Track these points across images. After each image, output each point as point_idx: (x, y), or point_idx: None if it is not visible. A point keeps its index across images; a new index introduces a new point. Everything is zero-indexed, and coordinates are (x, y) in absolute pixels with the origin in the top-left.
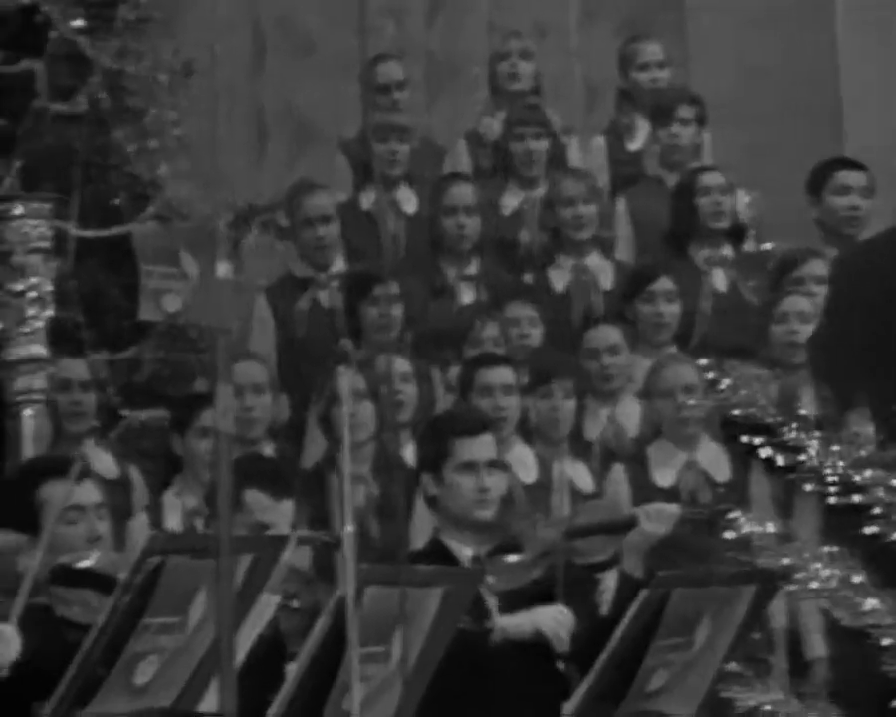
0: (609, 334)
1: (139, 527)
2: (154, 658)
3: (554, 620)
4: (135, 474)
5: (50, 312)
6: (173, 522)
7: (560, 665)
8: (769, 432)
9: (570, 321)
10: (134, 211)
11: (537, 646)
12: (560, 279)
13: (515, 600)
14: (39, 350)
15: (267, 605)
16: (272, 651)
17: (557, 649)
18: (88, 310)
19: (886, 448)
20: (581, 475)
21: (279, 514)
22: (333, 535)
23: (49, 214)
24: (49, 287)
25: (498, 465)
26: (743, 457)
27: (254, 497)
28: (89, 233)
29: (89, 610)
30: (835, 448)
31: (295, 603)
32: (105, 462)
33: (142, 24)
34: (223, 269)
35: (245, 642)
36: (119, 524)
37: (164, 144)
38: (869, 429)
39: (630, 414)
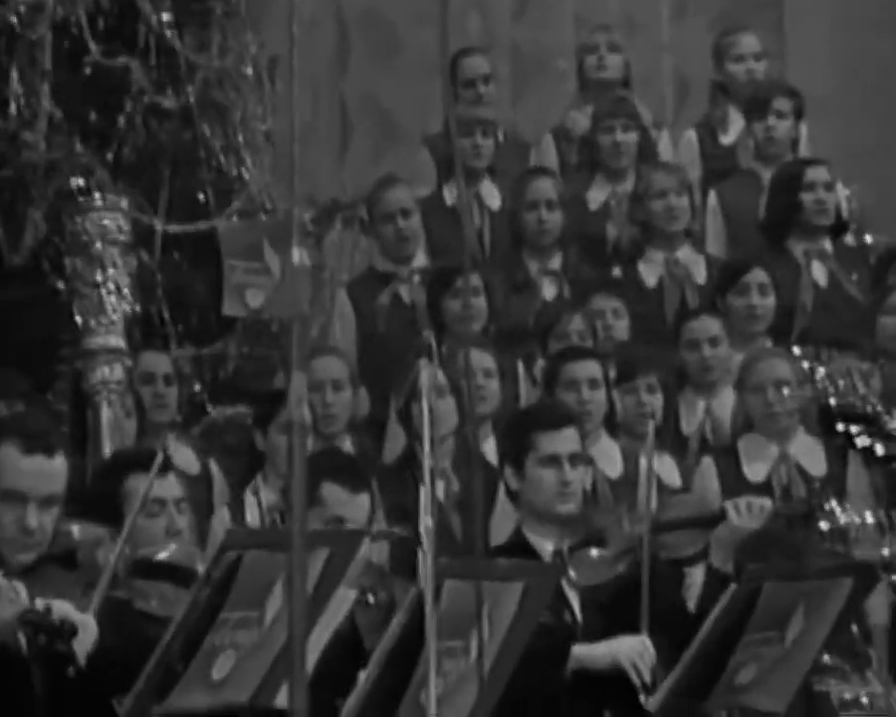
0: (710, 325)
1: (220, 522)
2: (231, 653)
3: (635, 653)
4: (216, 469)
5: (127, 305)
6: (253, 517)
7: (642, 698)
8: (868, 422)
9: (663, 315)
10: (220, 206)
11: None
12: (651, 273)
13: (598, 597)
14: (117, 341)
15: (343, 600)
16: (348, 647)
17: (635, 682)
18: (173, 305)
19: None
20: (668, 469)
21: (356, 508)
22: (411, 530)
23: (128, 208)
24: (126, 280)
25: (581, 459)
26: (840, 450)
27: (331, 491)
28: (175, 228)
29: (167, 604)
30: None
31: (371, 598)
32: (186, 457)
33: (229, 18)
34: (297, 256)
35: (321, 638)
36: (200, 519)
37: (250, 140)
38: None
39: (728, 407)
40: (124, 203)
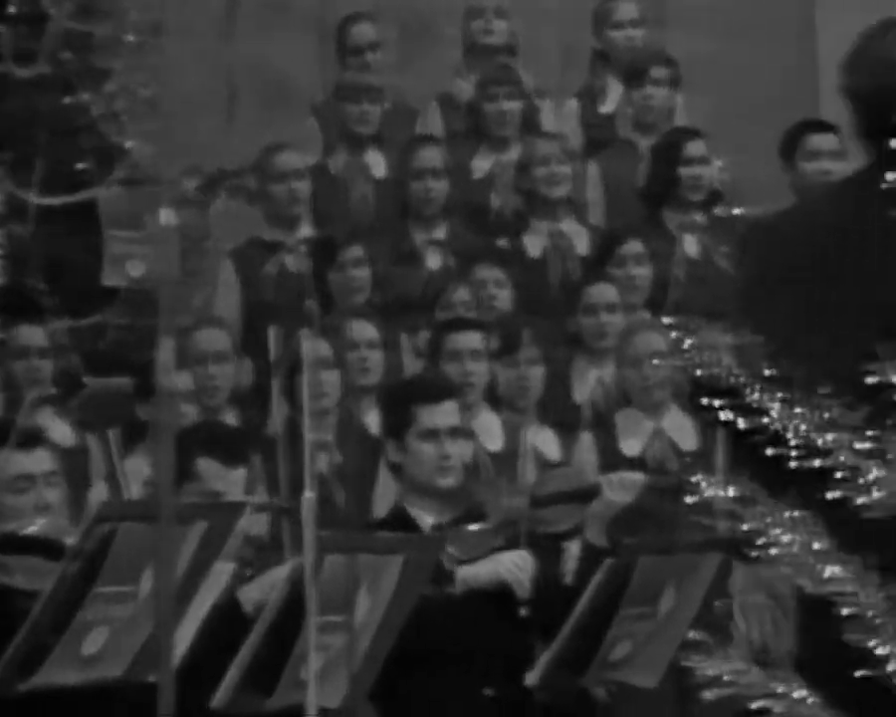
0: (606, 291)
1: (98, 495)
2: (104, 628)
3: (514, 565)
4: (93, 442)
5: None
6: (132, 491)
7: (523, 611)
8: (731, 395)
9: (547, 286)
10: (100, 175)
11: (499, 595)
12: (535, 244)
13: None
14: None
15: (221, 573)
16: (228, 619)
17: (518, 595)
18: (50, 277)
19: (853, 410)
20: (548, 443)
21: (231, 482)
22: (291, 502)
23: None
24: None
25: (462, 432)
26: (711, 425)
27: (206, 465)
28: (52, 200)
29: (36, 577)
30: (798, 410)
31: (249, 572)
32: (61, 430)
33: None
34: (165, 216)
35: (199, 610)
36: (79, 493)
37: (132, 107)
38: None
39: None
40: None
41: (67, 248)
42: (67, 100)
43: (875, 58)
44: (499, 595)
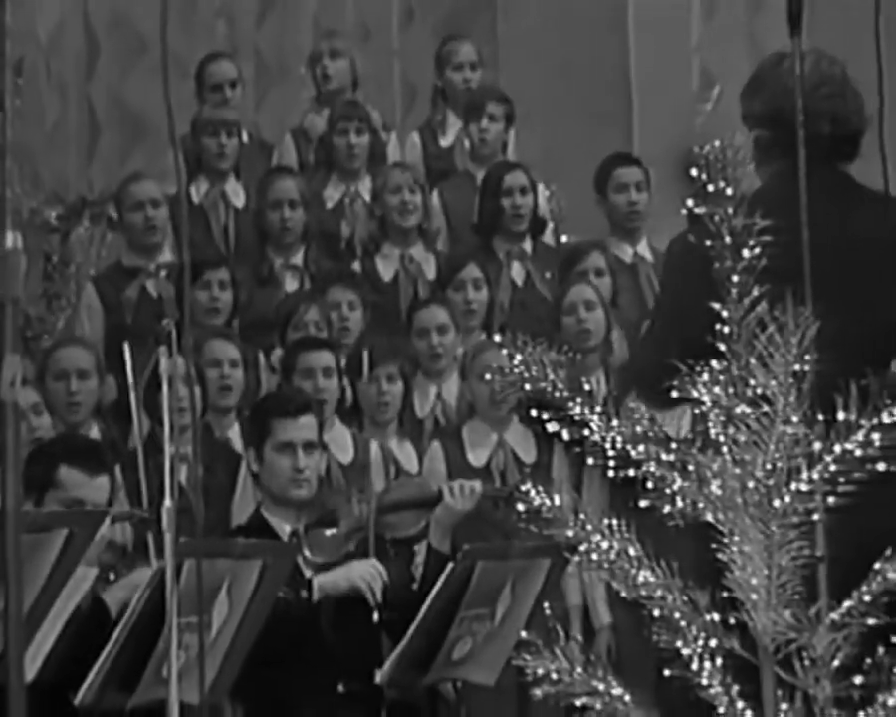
0: (437, 313)
1: None
2: None
3: (367, 573)
4: None
5: None
6: None
7: (376, 616)
8: (556, 408)
9: (398, 307)
10: None
11: (354, 600)
12: (387, 268)
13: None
14: None
15: (83, 578)
16: (91, 621)
17: (370, 602)
18: None
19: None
20: (408, 454)
21: (94, 489)
22: (152, 511)
23: None
24: None
25: (315, 446)
26: (548, 439)
27: (68, 474)
28: None
29: None
30: (615, 423)
31: (112, 575)
32: None
33: None
34: (10, 239)
35: (61, 613)
36: None
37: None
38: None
39: (455, 392)
40: None
41: None
42: None
43: (771, 86)
44: (353, 600)
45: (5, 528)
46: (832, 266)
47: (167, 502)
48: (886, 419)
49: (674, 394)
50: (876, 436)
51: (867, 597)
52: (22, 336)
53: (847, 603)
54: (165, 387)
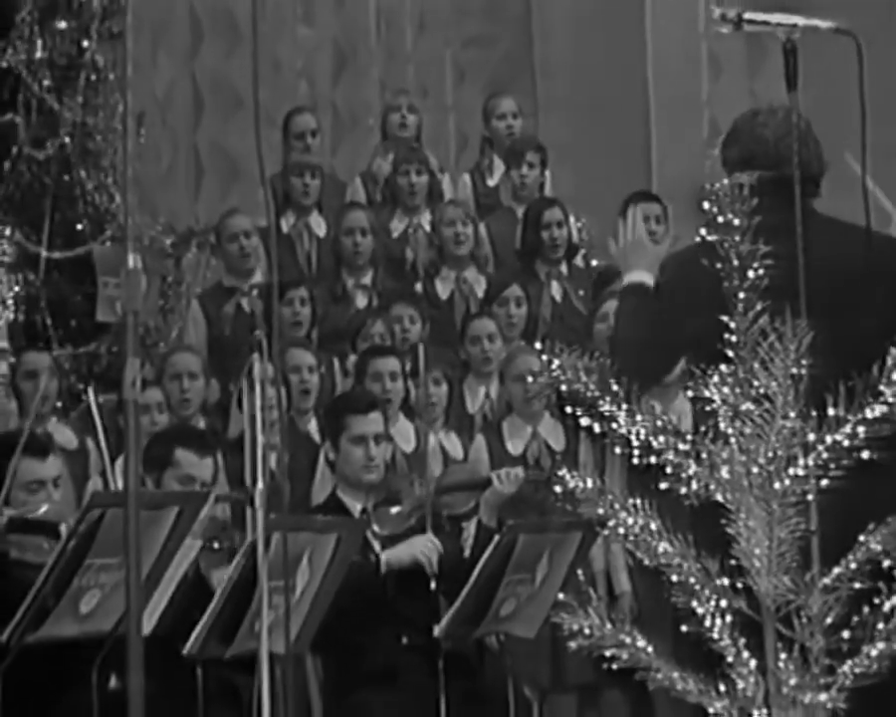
0: (487, 324)
1: (94, 487)
2: (96, 591)
3: (425, 547)
4: (91, 445)
5: (10, 313)
6: (121, 484)
7: (433, 585)
8: (587, 405)
9: (453, 322)
10: (94, 234)
11: (414, 572)
12: (444, 288)
13: (396, 543)
14: (1, 343)
15: (191, 548)
16: (196, 585)
17: (428, 571)
18: (55, 314)
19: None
20: (454, 444)
21: (203, 468)
22: (247, 492)
23: (12, 235)
24: (10, 293)
25: (384, 437)
26: (574, 429)
27: (183, 454)
28: (57, 254)
29: (41, 553)
30: (638, 418)
31: (216, 545)
32: (66, 436)
33: (101, 83)
34: (132, 260)
35: (174, 578)
36: (78, 485)
37: (119, 180)
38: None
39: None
40: (9, 232)
41: (68, 291)
42: (66, 176)
43: (746, 136)
44: (414, 568)
45: (128, 506)
46: (818, 284)
47: (259, 484)
48: (869, 414)
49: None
50: (861, 429)
51: (853, 565)
52: (143, 343)
53: (837, 570)
54: (258, 388)
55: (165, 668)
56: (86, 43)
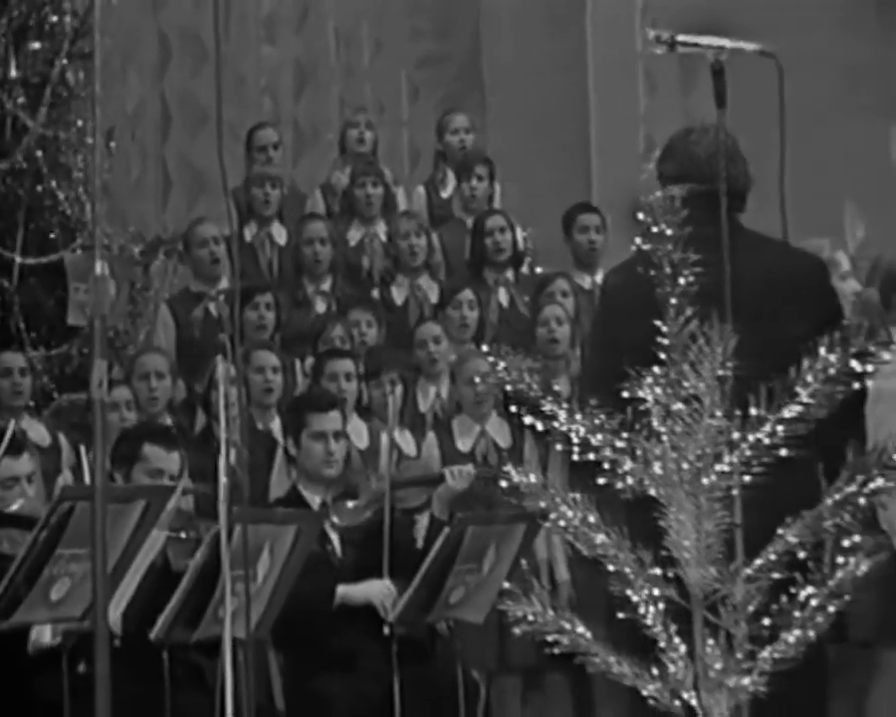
0: (433, 328)
1: (64, 481)
2: (66, 580)
3: (381, 594)
4: (63, 441)
5: None
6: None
7: (386, 629)
8: (530, 405)
9: (408, 326)
10: (66, 242)
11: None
12: (399, 294)
13: (352, 535)
14: None
15: (157, 539)
16: (163, 573)
17: (382, 615)
18: (29, 317)
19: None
20: (408, 442)
21: (170, 462)
22: (210, 486)
23: None
24: None
25: (342, 435)
26: (520, 428)
27: (151, 449)
28: (30, 260)
29: (15, 544)
30: (578, 417)
31: (182, 535)
32: (39, 432)
33: (72, 99)
34: (100, 267)
35: (141, 566)
36: (52, 479)
37: (90, 191)
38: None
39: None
40: None
41: (41, 296)
42: (39, 188)
43: (680, 153)
44: (370, 563)
45: (94, 500)
46: (743, 292)
47: (223, 479)
48: (787, 414)
49: (624, 394)
50: (780, 428)
51: (773, 556)
52: (112, 345)
53: (758, 561)
54: (221, 388)
55: (133, 652)
56: (58, 62)
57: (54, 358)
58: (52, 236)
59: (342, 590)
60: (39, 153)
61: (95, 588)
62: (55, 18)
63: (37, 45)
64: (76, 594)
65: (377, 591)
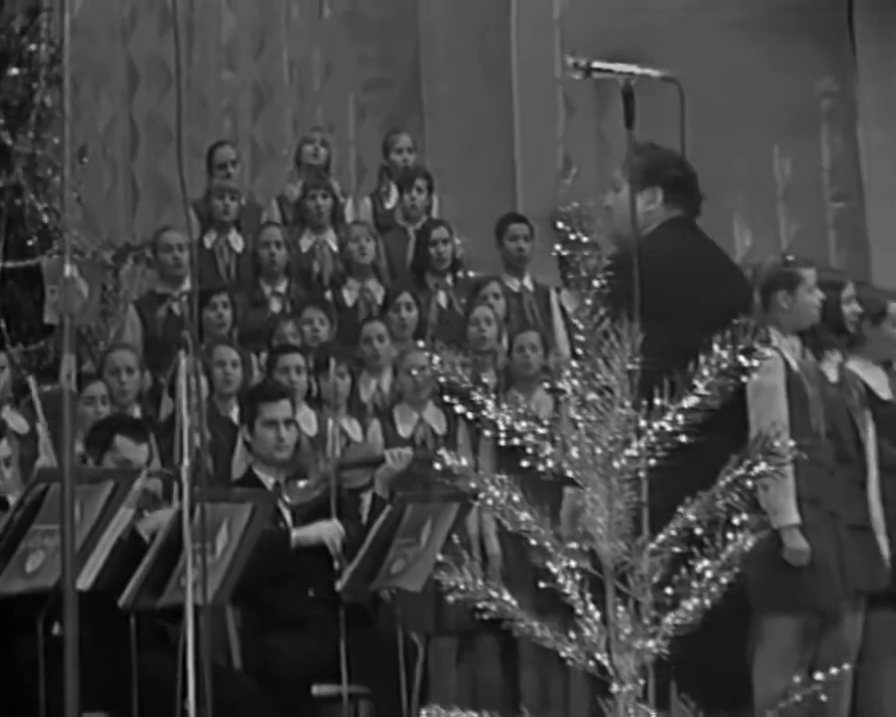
0: (378, 327)
1: (41, 465)
2: (41, 553)
3: (330, 532)
4: (41, 429)
5: None
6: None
7: (336, 564)
8: (461, 395)
9: (357, 324)
10: (43, 248)
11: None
12: (350, 296)
13: (303, 512)
14: None
15: (124, 516)
16: (130, 547)
17: (331, 552)
18: (9, 317)
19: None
20: (355, 428)
21: (138, 453)
22: (174, 469)
23: None
24: None
25: (292, 422)
26: (454, 416)
27: (121, 441)
28: (10, 264)
29: None
30: (504, 406)
31: (146, 514)
32: (18, 422)
33: (49, 120)
34: (69, 271)
35: (109, 541)
36: (30, 465)
37: (64, 203)
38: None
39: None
40: None
41: (21, 297)
42: (18, 201)
43: (672, 163)
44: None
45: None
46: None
47: (185, 462)
48: (686, 404)
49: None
50: (680, 417)
51: (674, 532)
52: (85, 342)
53: (661, 537)
54: (183, 380)
55: (102, 617)
56: (35, 86)
57: (32, 353)
58: (30, 243)
59: (297, 533)
60: (19, 171)
61: (63, 557)
62: (33, 46)
63: (16, 71)
64: (49, 564)
65: (327, 529)
